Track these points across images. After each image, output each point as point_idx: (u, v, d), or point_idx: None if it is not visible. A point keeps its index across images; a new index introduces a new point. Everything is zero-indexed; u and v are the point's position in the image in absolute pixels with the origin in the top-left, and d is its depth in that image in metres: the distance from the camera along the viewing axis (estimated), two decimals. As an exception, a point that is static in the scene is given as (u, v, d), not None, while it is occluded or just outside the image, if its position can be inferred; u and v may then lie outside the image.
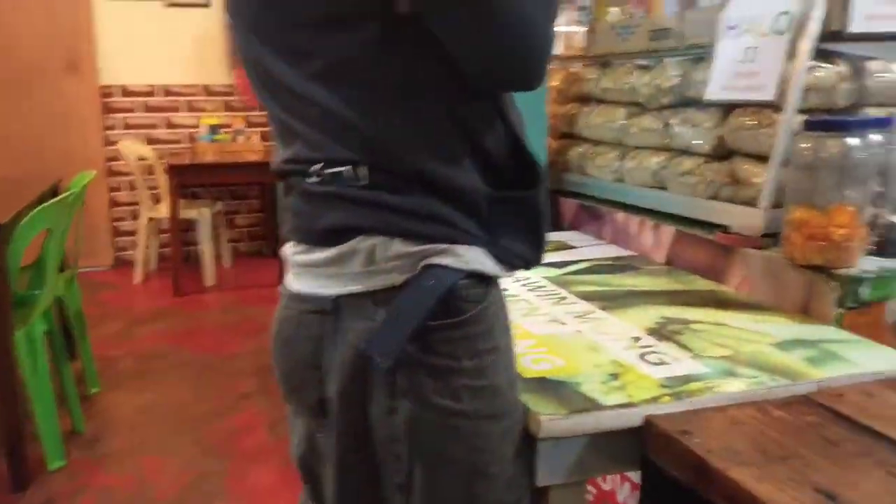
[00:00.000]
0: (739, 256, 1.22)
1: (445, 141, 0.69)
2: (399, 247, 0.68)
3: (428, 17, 0.63)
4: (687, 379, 0.85)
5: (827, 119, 1.10)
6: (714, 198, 1.34)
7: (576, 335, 1.01)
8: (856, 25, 1.16)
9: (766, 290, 1.16)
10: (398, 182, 0.68)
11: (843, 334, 1.00)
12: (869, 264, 1.08)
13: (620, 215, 1.57)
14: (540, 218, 0.76)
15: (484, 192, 0.71)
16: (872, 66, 1.28)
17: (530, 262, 0.78)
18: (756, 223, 1.21)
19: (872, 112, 1.28)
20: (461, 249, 0.69)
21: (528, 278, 1.29)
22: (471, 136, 0.70)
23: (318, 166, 0.70)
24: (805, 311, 1.09)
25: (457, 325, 0.69)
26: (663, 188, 1.48)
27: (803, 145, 1.09)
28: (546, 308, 1.13)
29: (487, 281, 0.72)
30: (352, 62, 0.67)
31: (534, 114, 1.67)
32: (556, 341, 0.98)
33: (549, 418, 0.75)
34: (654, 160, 1.51)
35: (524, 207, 0.74)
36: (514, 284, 1.25)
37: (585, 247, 1.57)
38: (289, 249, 0.77)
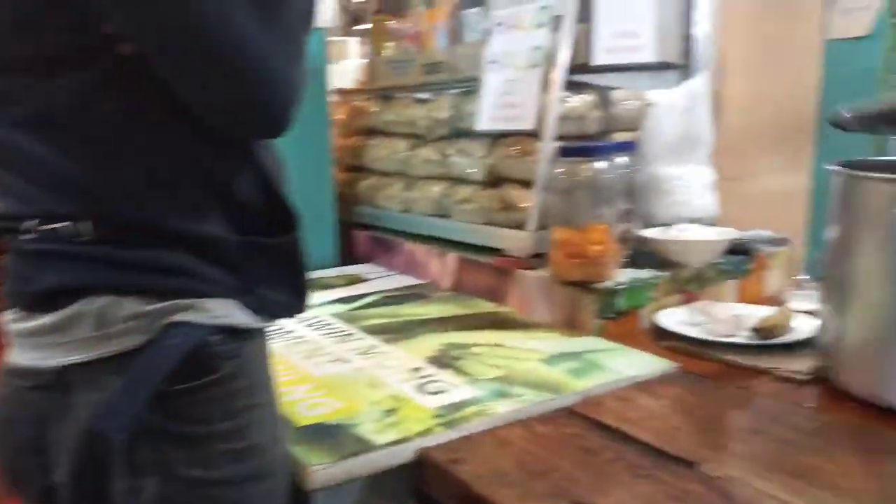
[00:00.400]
0: (515, 278, 1.28)
1: (182, 188, 0.64)
2: (134, 306, 0.62)
3: (154, 61, 0.59)
4: (461, 405, 0.86)
5: (577, 146, 1.19)
6: (490, 223, 1.39)
7: (357, 373, 0.99)
8: (597, 58, 1.28)
9: (540, 308, 1.22)
10: (129, 235, 0.62)
11: (605, 343, 1.08)
12: (623, 276, 1.18)
13: (410, 245, 1.59)
14: (300, 263, 0.73)
15: (232, 241, 0.67)
16: (618, 94, 1.41)
17: (293, 309, 0.74)
18: (526, 245, 1.28)
19: (620, 136, 1.41)
20: (209, 303, 0.64)
21: (315, 317, 1.26)
22: (213, 182, 0.65)
23: (32, 222, 0.62)
24: (572, 325, 1.16)
25: (208, 385, 0.64)
26: (447, 216, 1.53)
27: (559, 170, 1.17)
28: (331, 347, 1.10)
29: (243, 334, 0.67)
30: (68, 108, 0.60)
31: (317, 147, 1.66)
32: (336, 382, 0.95)
33: (320, 468, 0.72)
34: (436, 189, 1.55)
35: (281, 253, 0.71)
36: (298, 325, 1.20)
37: (377, 278, 1.56)
38: (6, 316, 0.67)
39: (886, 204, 0.77)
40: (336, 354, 1.06)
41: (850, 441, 0.78)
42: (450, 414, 0.83)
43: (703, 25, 1.39)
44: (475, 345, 1.09)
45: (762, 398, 0.90)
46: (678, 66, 1.39)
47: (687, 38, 1.42)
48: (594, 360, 1.01)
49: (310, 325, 1.21)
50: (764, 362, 0.98)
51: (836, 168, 0.85)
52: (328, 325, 1.22)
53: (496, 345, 1.09)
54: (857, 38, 3.22)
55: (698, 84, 1.31)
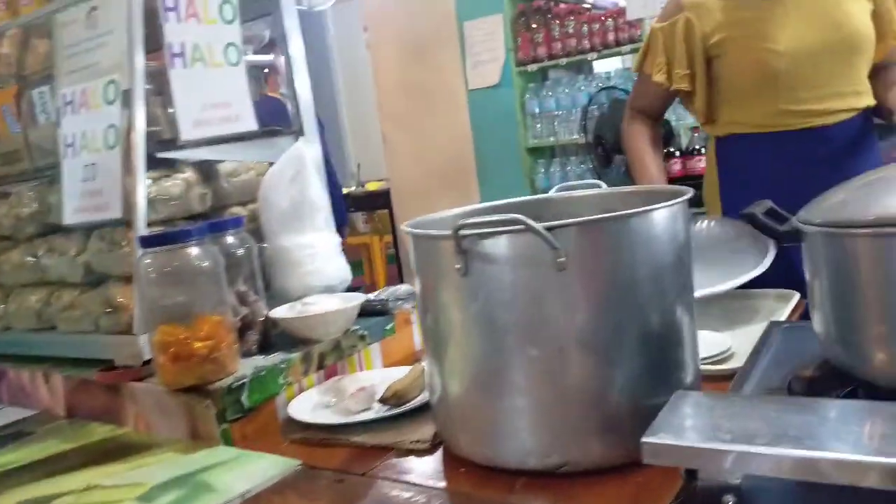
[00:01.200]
0: (128, 392, 1.09)
1: None
2: None
3: None
4: None
5: (161, 233, 1.05)
6: (98, 330, 1.18)
7: None
8: (187, 133, 1.15)
9: (159, 424, 1.05)
10: None
11: (226, 454, 0.94)
12: (246, 368, 1.05)
13: (13, 370, 1.30)
14: None
15: None
16: (226, 167, 1.30)
17: None
18: (135, 352, 1.09)
19: (238, 211, 1.30)
20: None
21: None
22: None
23: None
24: (197, 437, 1.00)
25: None
26: (53, 328, 1.28)
27: (147, 262, 1.02)
28: None
29: None
30: None
31: None
32: None
33: None
34: (35, 298, 1.29)
35: None
36: None
37: (-27, 420, 1.25)
38: None
39: (450, 260, 0.74)
40: None
41: (459, 515, 0.73)
42: None
43: (304, 90, 1.34)
44: (61, 494, 0.88)
45: (383, 484, 0.82)
46: (287, 132, 1.33)
47: (294, 102, 1.37)
48: (205, 480, 0.86)
49: None
50: (391, 436, 0.92)
51: (407, 228, 0.82)
52: None
53: (90, 487, 0.89)
54: (492, 87, 3.59)
55: (303, 148, 1.25)
